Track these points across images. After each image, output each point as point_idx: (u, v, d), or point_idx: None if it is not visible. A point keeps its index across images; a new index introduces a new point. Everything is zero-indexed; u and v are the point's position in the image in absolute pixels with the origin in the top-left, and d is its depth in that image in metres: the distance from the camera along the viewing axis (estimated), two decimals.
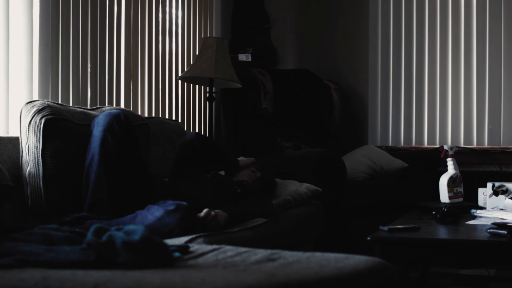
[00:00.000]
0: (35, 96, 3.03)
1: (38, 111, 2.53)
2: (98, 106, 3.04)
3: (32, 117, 2.52)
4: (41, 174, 2.49)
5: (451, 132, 5.13)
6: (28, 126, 2.52)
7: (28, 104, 2.59)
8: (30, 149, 2.51)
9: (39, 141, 2.49)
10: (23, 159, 2.55)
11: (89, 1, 3.40)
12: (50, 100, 2.80)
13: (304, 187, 3.25)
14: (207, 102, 4.32)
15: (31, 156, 2.50)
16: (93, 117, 2.72)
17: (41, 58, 3.07)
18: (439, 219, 2.83)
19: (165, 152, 3.25)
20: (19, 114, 2.59)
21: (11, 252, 1.64)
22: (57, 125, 2.53)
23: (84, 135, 2.59)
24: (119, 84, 3.70)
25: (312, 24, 5.50)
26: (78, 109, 2.76)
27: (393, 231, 2.57)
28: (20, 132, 2.57)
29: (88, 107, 3.15)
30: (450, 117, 5.13)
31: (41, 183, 2.48)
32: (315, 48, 5.49)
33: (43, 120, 2.50)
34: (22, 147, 2.56)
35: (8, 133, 2.86)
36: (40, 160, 2.49)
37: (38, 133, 2.50)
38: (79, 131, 2.60)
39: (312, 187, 3.28)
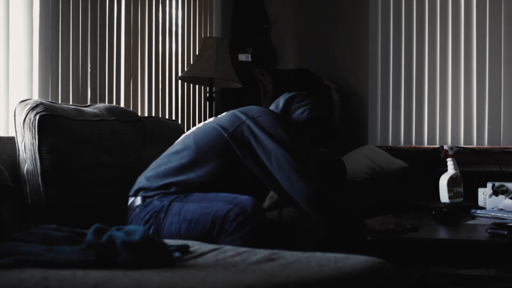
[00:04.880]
0: (35, 96, 3.03)
1: (32, 109, 2.53)
2: (90, 104, 3.04)
3: (26, 115, 2.52)
4: (39, 171, 2.48)
5: (451, 132, 5.13)
6: (23, 124, 2.52)
7: (22, 103, 2.59)
8: (27, 146, 2.51)
9: (34, 138, 2.49)
10: (20, 157, 2.55)
11: (89, 1, 3.40)
12: (44, 99, 2.80)
13: None
14: (207, 102, 4.32)
15: (28, 154, 2.50)
16: (87, 113, 2.73)
17: (41, 58, 3.07)
18: (439, 219, 2.83)
19: (163, 151, 3.24)
20: (13, 113, 2.59)
21: (11, 252, 1.64)
22: (52, 121, 2.53)
23: (79, 130, 2.60)
24: (119, 84, 3.70)
25: (312, 24, 5.50)
26: (71, 106, 2.77)
27: (393, 231, 2.57)
28: (16, 131, 2.57)
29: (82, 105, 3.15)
30: (450, 117, 5.13)
31: (39, 180, 2.48)
32: (315, 48, 5.49)
33: (37, 117, 2.50)
34: (18, 146, 2.56)
35: (8, 132, 2.86)
36: (37, 157, 2.49)
37: (33, 130, 2.50)
38: (74, 126, 2.60)
39: None
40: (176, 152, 2.57)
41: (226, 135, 2.50)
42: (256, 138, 2.47)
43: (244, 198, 2.28)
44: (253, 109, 2.59)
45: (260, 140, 2.46)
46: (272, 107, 2.71)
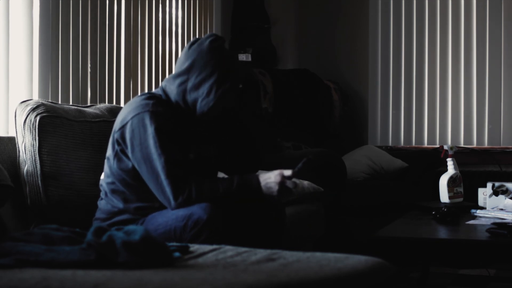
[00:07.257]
0: (35, 96, 3.03)
1: (33, 109, 2.53)
2: (91, 104, 3.04)
3: (27, 116, 2.52)
4: (39, 172, 2.49)
5: (451, 132, 5.13)
6: (23, 125, 2.52)
7: (22, 104, 2.59)
8: (27, 147, 2.51)
9: (35, 139, 2.50)
10: (20, 158, 2.55)
11: (89, 1, 3.40)
12: (45, 99, 2.80)
13: (306, 183, 3.25)
14: None
15: (28, 155, 2.51)
16: (88, 114, 2.73)
17: (41, 58, 3.07)
18: (439, 219, 2.83)
19: None
20: (14, 114, 2.59)
21: (11, 252, 1.64)
22: (52, 122, 2.53)
23: (80, 131, 2.60)
24: (119, 84, 3.70)
25: (312, 24, 5.50)
26: (73, 107, 2.77)
27: (393, 231, 2.57)
28: (16, 132, 2.57)
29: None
30: (450, 117, 5.13)
31: (39, 181, 2.48)
32: (315, 48, 5.49)
33: (38, 118, 2.51)
34: (18, 146, 2.56)
35: (8, 132, 2.86)
36: (37, 158, 2.49)
37: (33, 131, 2.50)
38: (75, 127, 2.60)
39: (313, 185, 3.28)
40: (109, 194, 2.40)
41: (113, 164, 2.35)
42: (131, 152, 2.30)
43: (195, 210, 2.18)
44: (119, 117, 2.37)
45: (133, 154, 2.30)
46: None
